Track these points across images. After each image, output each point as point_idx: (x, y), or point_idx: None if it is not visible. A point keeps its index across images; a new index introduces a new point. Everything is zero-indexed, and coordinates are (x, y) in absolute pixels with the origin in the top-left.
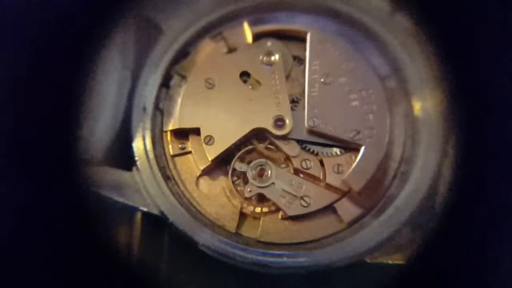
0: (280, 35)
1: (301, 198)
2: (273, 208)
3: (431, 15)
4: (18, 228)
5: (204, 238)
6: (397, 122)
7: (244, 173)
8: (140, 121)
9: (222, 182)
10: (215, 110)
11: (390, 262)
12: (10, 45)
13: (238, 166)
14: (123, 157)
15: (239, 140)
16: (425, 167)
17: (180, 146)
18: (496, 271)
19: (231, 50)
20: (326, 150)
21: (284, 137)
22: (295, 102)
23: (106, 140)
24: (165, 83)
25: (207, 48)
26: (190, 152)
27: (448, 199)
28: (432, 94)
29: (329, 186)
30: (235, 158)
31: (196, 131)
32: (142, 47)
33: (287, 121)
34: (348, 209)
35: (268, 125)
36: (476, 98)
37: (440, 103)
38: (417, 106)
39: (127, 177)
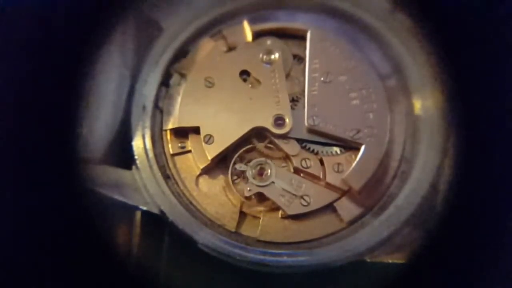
0: (280, 34)
1: (301, 197)
2: (273, 207)
3: (431, 13)
4: (17, 227)
5: (204, 237)
6: (397, 121)
7: (244, 172)
8: (140, 120)
9: (221, 181)
10: (214, 109)
11: (390, 261)
12: (9, 44)
13: (238, 165)
14: (122, 156)
15: (239, 139)
16: (425, 166)
17: (179, 145)
18: (497, 271)
19: (230, 48)
20: (326, 149)
21: (284, 136)
22: (295, 101)
23: (106, 138)
24: (165, 82)
25: (206, 46)
26: (189, 151)
27: (449, 198)
28: (433, 93)
29: (329, 185)
30: (235, 157)
31: (196, 130)
32: (141, 46)
33: (287, 120)
34: (348, 208)
35: (268, 124)
36: (476, 96)
37: (440, 102)
38: (417, 105)
39: (127, 176)
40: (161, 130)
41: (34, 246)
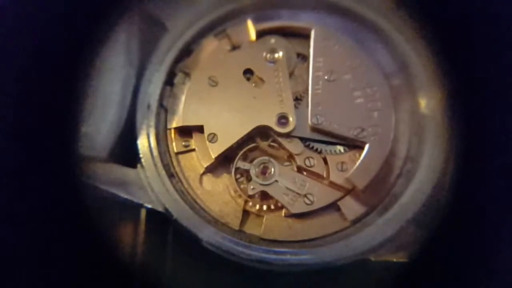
0: (284, 32)
1: (305, 196)
2: (276, 205)
3: (434, 11)
4: (18, 227)
5: (208, 235)
6: (402, 119)
7: (247, 171)
8: (145, 119)
9: (225, 180)
10: (218, 108)
11: (394, 260)
12: (11, 44)
13: (241, 163)
14: (127, 154)
15: (243, 137)
16: (430, 165)
17: (184, 143)
18: (499, 270)
19: (234, 47)
20: (329, 147)
21: (287, 135)
22: (298, 99)
23: (111, 137)
24: (169, 81)
25: (210, 45)
26: (193, 150)
27: (453, 198)
28: (438, 92)
29: (332, 184)
30: (238, 155)
31: (200, 129)
32: (146, 45)
33: (291, 119)
34: (351, 207)
35: (272, 122)
36: (478, 95)
37: (445, 101)
38: (422, 104)
39: (132, 174)
40: (166, 128)
41: (35, 246)
